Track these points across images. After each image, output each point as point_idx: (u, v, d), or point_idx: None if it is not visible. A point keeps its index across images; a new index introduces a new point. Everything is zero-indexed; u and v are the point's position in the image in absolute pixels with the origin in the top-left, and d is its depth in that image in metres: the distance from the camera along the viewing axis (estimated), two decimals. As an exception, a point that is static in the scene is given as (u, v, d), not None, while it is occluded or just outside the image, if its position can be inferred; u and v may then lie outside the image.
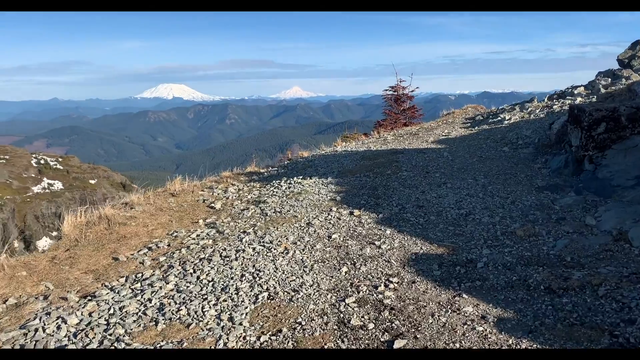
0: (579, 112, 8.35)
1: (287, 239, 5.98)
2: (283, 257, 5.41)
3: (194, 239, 6.64)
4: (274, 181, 9.83)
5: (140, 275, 5.36)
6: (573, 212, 6.17)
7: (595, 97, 12.80)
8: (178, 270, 5.46)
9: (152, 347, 3.91)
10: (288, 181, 9.44)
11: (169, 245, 6.52)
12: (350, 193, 7.86)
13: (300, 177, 9.61)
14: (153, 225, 7.52)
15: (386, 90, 25.38)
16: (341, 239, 5.84)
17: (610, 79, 13.96)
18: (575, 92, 13.92)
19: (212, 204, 8.70)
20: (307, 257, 5.36)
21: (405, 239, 5.73)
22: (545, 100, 14.34)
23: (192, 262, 5.60)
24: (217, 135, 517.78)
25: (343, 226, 6.31)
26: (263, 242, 5.94)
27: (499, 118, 13.37)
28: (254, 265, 5.24)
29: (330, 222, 6.48)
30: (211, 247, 6.02)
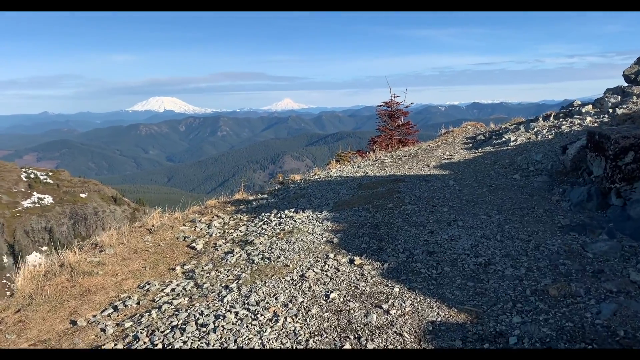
0: (602, 138, 7.50)
1: (276, 299, 5.04)
2: (271, 327, 4.46)
3: (167, 294, 5.69)
4: (263, 214, 8.90)
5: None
6: (611, 263, 5.28)
7: (605, 116, 12.02)
8: (144, 342, 4.50)
9: None
10: (278, 215, 8.51)
11: (138, 303, 5.56)
12: (349, 233, 6.94)
13: (292, 210, 8.68)
14: (123, 274, 6.55)
15: (380, 106, 24.63)
16: (341, 300, 4.90)
17: (619, 97, 13.19)
18: (583, 110, 13.13)
19: (193, 243, 7.76)
20: (301, 327, 4.41)
21: (418, 299, 4.81)
22: (551, 119, 13.53)
23: (161, 332, 4.64)
24: (209, 148, 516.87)
25: (343, 280, 5.37)
26: (248, 303, 4.98)
27: (504, 139, 12.53)
28: (235, 340, 4.29)
29: (327, 275, 5.55)
30: (186, 310, 5.06)
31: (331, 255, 6.08)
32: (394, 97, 24.34)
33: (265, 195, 11.49)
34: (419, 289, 5.04)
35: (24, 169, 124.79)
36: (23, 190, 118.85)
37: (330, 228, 7.27)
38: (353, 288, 5.16)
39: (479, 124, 17.90)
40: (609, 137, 7.30)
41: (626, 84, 15.28)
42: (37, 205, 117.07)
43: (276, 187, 12.91)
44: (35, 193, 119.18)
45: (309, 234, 7.09)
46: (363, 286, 5.18)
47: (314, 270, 5.66)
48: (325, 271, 5.65)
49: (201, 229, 8.66)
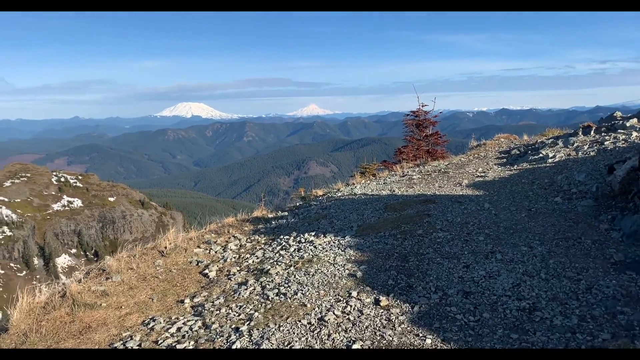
0: (658, 161, 6.72)
1: (291, 349, 4.43)
2: (284, 388, 3.86)
3: (172, 335, 5.13)
4: (281, 236, 8.33)
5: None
6: (680, 313, 4.54)
7: (653, 131, 11.13)
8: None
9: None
10: (298, 239, 7.92)
11: (139, 345, 5.01)
12: (374, 265, 6.29)
13: (313, 233, 8.09)
14: (128, 306, 6.03)
15: (407, 115, 23.90)
16: (365, 354, 4.27)
17: (668, 110, 12.27)
18: (628, 124, 12.24)
19: (207, 270, 7.22)
20: (318, 390, 3.81)
21: (454, 356, 4.15)
22: (592, 133, 12.67)
23: (159, 389, 4.08)
24: (235, 153, 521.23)
25: (367, 327, 4.73)
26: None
27: (541, 155, 11.72)
28: (241, 405, 3.71)
29: (349, 319, 4.91)
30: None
31: (354, 294, 5.45)
32: (422, 105, 23.59)
33: (286, 213, 10.92)
34: (454, 340, 4.38)
35: (54, 173, 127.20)
36: (53, 193, 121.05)
37: (353, 258, 6.64)
38: (379, 337, 4.52)
39: (512, 136, 17.06)
40: (667, 161, 6.52)
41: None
42: (66, 208, 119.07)
43: (297, 204, 12.34)
44: (65, 196, 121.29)
45: (329, 264, 6.47)
46: (390, 335, 4.54)
47: (334, 313, 5.03)
48: (347, 314, 5.02)
49: (216, 252, 8.13)
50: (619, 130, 12.07)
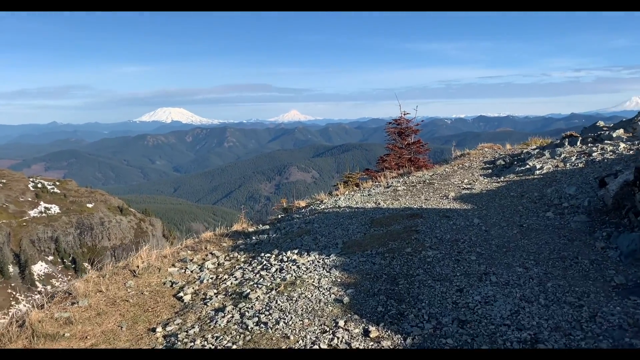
0: (656, 177, 6.45)
1: (272, 391, 4.00)
2: None
3: (141, 372, 4.64)
4: (262, 254, 7.88)
5: None
6: (693, 346, 4.21)
7: (641, 142, 10.95)
8: None
9: None
10: (280, 257, 7.48)
11: (104, 384, 4.52)
12: (362, 288, 5.88)
13: (296, 251, 7.65)
14: (94, 336, 5.52)
15: (389, 123, 23.65)
16: (354, 396, 3.86)
17: (654, 121, 12.14)
18: (614, 134, 12.06)
19: (181, 292, 6.74)
20: None
21: (453, 399, 3.75)
22: (579, 144, 12.46)
23: None
24: (215, 159, 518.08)
25: (356, 363, 4.32)
26: (236, 397, 3.95)
27: (528, 166, 11.46)
28: None
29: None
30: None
31: (341, 323, 5.02)
32: (404, 114, 23.38)
33: (267, 227, 10.48)
34: (452, 379, 3.99)
35: (31, 179, 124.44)
36: (30, 199, 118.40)
37: (339, 280, 6.22)
38: (369, 376, 4.11)
39: (496, 145, 16.85)
40: (665, 177, 6.24)
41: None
42: (43, 214, 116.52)
43: (279, 216, 11.90)
44: (42, 202, 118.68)
45: (314, 287, 6.03)
46: (382, 374, 4.13)
47: (320, 347, 4.60)
48: (334, 347, 4.60)
49: (192, 272, 7.65)
50: (605, 141, 11.88)
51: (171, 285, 7.11)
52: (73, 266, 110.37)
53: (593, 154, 10.92)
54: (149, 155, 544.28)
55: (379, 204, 10.22)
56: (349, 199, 11.36)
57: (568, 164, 10.83)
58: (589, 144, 12.21)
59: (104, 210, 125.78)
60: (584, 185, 9.15)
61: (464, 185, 11.03)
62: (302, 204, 13.02)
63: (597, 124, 16.72)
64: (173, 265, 8.03)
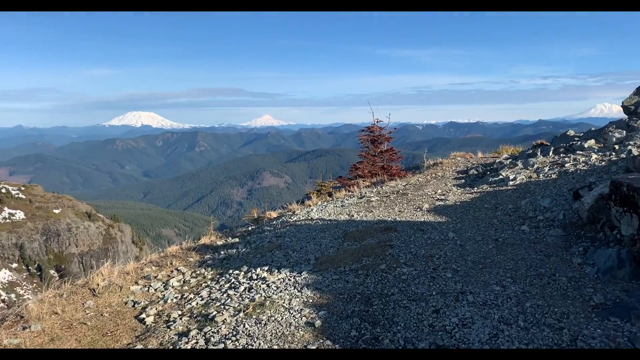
0: (632, 191, 6.36)
1: None
2: None
3: (96, 408, 4.27)
4: (231, 271, 7.56)
5: None
6: (677, 373, 4.05)
7: (612, 154, 10.98)
8: None
9: None
10: (249, 274, 7.17)
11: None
12: (335, 310, 5.60)
13: (266, 267, 7.34)
14: (46, 365, 5.09)
15: (362, 131, 23.57)
16: None
17: (624, 131, 12.21)
18: (586, 145, 12.10)
19: (143, 314, 6.35)
20: None
21: None
22: (551, 154, 12.46)
23: None
24: (186, 163, 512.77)
25: (328, 396, 4.04)
26: None
27: (501, 177, 11.39)
28: None
29: (307, 385, 4.21)
30: None
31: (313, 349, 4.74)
32: (377, 121, 23.33)
33: (237, 240, 10.15)
34: (431, 414, 3.74)
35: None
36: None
37: (311, 300, 5.94)
38: (342, 412, 3.84)
39: (468, 154, 16.83)
40: (641, 192, 6.15)
41: (626, 116, 14.39)
42: (7, 220, 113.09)
43: (249, 228, 11.57)
44: (6, 208, 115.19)
45: (284, 309, 5.73)
46: (356, 408, 3.86)
47: (290, 378, 4.31)
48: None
49: (156, 290, 7.27)
50: (577, 152, 11.89)
51: (133, 306, 6.72)
52: (39, 274, 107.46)
53: (566, 165, 10.90)
54: (118, 159, 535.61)
55: (353, 216, 9.98)
56: (321, 210, 11.10)
57: (541, 175, 10.78)
58: (561, 154, 12.22)
59: (72, 216, 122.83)
60: (558, 197, 9.08)
61: (438, 196, 10.89)
62: (274, 214, 12.71)
63: (568, 133, 16.86)
64: (136, 282, 7.63)
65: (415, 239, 7.87)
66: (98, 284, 7.36)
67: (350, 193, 13.19)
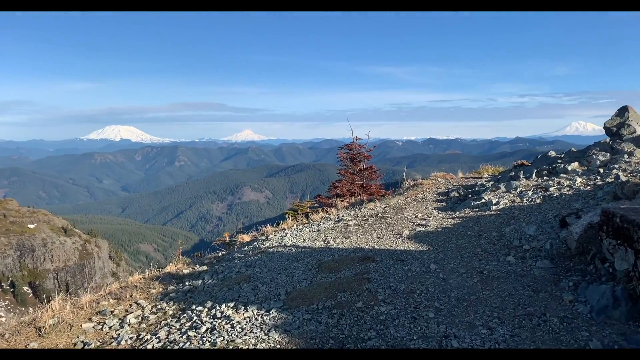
0: (626, 223, 5.91)
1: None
2: None
3: None
4: (194, 306, 6.91)
5: None
6: None
7: (598, 178, 10.62)
8: None
9: None
10: (213, 312, 6.54)
11: None
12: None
13: (232, 304, 6.72)
14: None
15: (341, 149, 23.13)
16: None
17: (608, 154, 11.90)
18: (569, 168, 11.75)
19: (93, 359, 5.65)
20: None
21: None
22: (534, 177, 12.07)
23: None
24: (166, 178, 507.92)
25: None
26: None
27: (483, 200, 10.95)
28: None
29: None
30: None
31: (277, 411, 4.14)
32: (356, 139, 22.92)
33: (204, 267, 9.50)
34: None
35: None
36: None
37: (279, 345, 5.33)
38: None
39: (448, 175, 16.43)
40: (637, 224, 5.70)
41: (607, 137, 14.14)
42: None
43: (219, 254, 10.93)
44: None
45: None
46: None
47: None
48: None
49: (110, 328, 6.58)
50: (561, 175, 11.53)
51: (83, 347, 6.03)
52: (12, 290, 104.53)
53: (550, 189, 10.50)
54: (96, 174, 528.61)
55: (329, 242, 9.41)
56: (296, 235, 10.51)
57: (525, 199, 10.36)
58: (545, 177, 11.85)
59: (47, 231, 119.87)
60: (544, 225, 8.64)
61: (418, 221, 10.39)
62: (246, 238, 12.08)
63: (549, 154, 16.60)
64: (89, 319, 6.93)
65: (395, 270, 7.32)
66: (46, 322, 6.65)
67: (327, 215, 12.63)
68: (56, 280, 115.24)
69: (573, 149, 17.21)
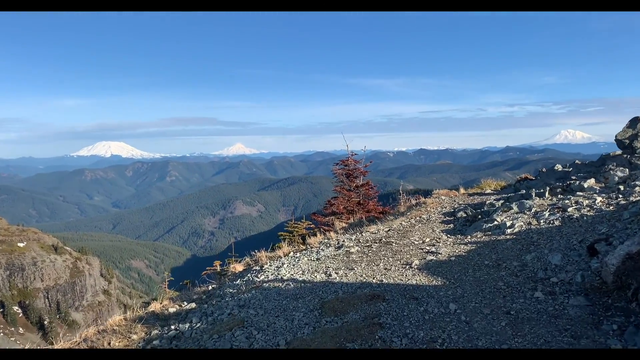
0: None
1: None
2: None
3: None
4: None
5: None
6: None
7: (620, 196, 9.81)
8: None
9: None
10: (202, 369, 5.56)
11: None
12: None
13: None
14: None
15: (336, 164, 22.20)
16: None
17: (627, 169, 11.11)
18: (585, 185, 10.94)
19: None
20: None
21: None
22: (547, 194, 11.25)
23: None
24: (157, 193, 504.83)
25: None
26: None
27: (495, 222, 10.09)
28: None
29: None
30: None
31: None
32: (352, 154, 22.04)
33: (193, 305, 8.55)
34: None
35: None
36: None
37: (280, 420, 4.41)
38: None
39: (452, 192, 15.59)
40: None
41: (620, 150, 13.39)
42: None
43: (209, 287, 9.98)
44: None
45: None
46: None
47: None
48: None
49: (82, 391, 5.62)
50: (577, 193, 10.70)
51: (46, 420, 5.07)
52: (1, 310, 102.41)
53: (568, 209, 9.66)
54: (86, 190, 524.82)
55: (330, 275, 8.49)
56: (294, 265, 9.59)
57: (542, 221, 9.51)
58: (559, 196, 11.02)
59: (37, 249, 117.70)
60: (569, 252, 7.78)
61: (427, 248, 9.49)
62: (239, 268, 11.14)
63: (556, 168, 15.83)
64: (58, 378, 5.96)
65: (410, 312, 6.42)
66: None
67: (326, 239, 11.72)
68: (47, 299, 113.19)
69: (577, 160, 16.46)
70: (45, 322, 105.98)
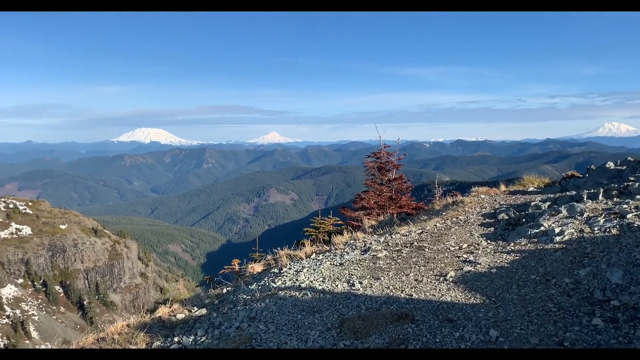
0: None
1: None
2: None
3: None
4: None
5: None
6: None
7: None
8: None
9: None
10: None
11: None
12: None
13: (223, 387, 4.98)
14: None
15: (368, 157, 21.13)
16: None
17: (695, 171, 9.82)
18: (647, 187, 9.70)
19: None
20: None
21: None
22: (601, 197, 10.06)
23: None
24: (194, 180, 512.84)
25: None
26: None
27: (542, 228, 8.99)
28: None
29: None
30: None
31: None
32: (385, 147, 20.94)
33: (203, 311, 7.82)
34: None
35: (3, 199, 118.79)
36: (0, 220, 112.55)
37: None
38: None
39: (492, 190, 14.43)
40: None
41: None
42: (14, 236, 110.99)
43: (224, 290, 9.25)
44: (13, 223, 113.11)
45: None
46: None
47: None
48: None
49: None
50: (637, 197, 9.50)
51: None
52: (44, 289, 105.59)
53: (627, 216, 8.50)
54: (126, 175, 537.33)
55: (353, 284, 7.60)
56: (314, 269, 8.74)
57: (596, 229, 8.37)
58: (615, 199, 9.83)
59: (78, 231, 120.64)
60: (632, 268, 6.68)
61: (464, 256, 8.49)
62: (257, 269, 10.37)
63: (607, 165, 14.50)
64: (40, 399, 5.30)
65: (443, 338, 5.48)
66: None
67: (352, 241, 10.83)
68: (86, 280, 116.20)
69: (630, 157, 15.08)
70: (85, 302, 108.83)
